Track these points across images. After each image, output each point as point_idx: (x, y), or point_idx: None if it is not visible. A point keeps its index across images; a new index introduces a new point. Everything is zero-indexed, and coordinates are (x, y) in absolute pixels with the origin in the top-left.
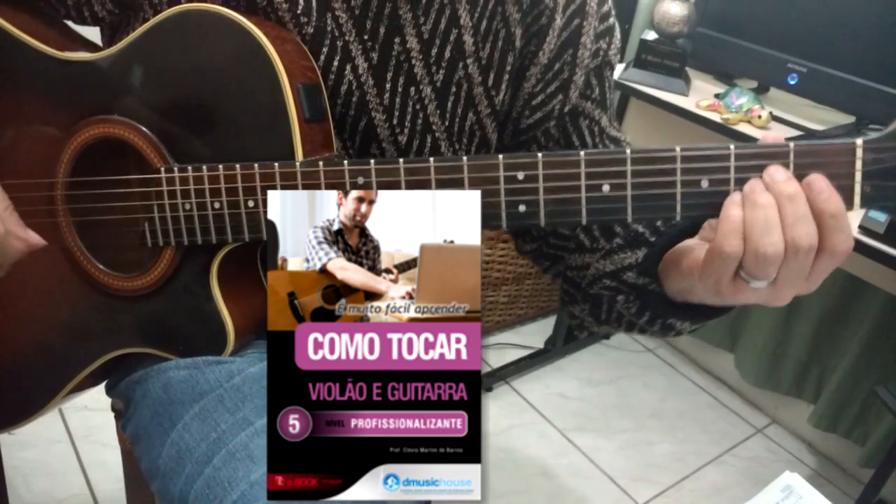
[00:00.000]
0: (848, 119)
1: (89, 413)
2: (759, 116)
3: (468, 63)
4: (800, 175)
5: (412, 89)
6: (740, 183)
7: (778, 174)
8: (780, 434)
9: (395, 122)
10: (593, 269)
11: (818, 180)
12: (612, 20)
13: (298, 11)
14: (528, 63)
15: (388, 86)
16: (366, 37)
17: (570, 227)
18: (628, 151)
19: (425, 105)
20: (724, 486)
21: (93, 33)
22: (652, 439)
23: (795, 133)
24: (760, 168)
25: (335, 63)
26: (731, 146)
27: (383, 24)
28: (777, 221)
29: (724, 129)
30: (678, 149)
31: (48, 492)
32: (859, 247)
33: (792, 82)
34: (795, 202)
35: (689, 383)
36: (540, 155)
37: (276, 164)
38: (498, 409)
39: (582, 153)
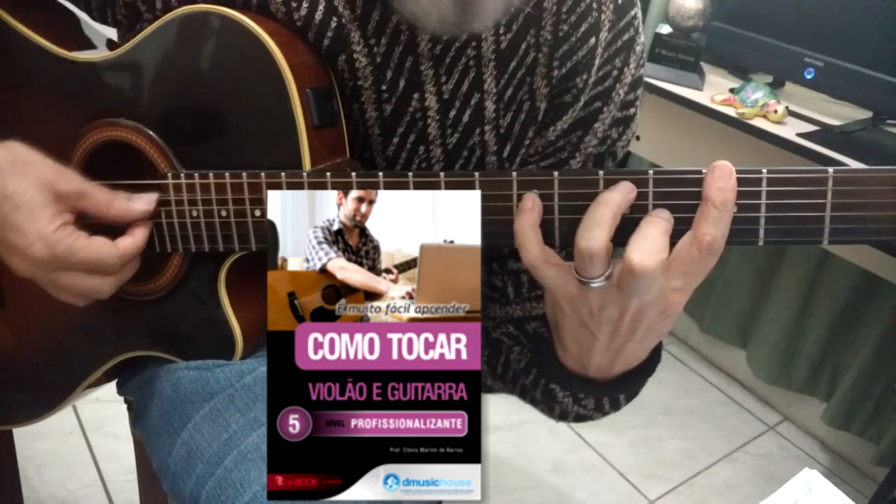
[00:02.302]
0: (865, 114)
1: (101, 405)
2: (776, 111)
3: (486, 130)
4: (839, 203)
5: (421, 148)
6: (771, 209)
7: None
8: (792, 432)
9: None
10: (502, 313)
11: (723, 168)
12: (633, 110)
13: (311, 43)
14: (535, 133)
15: (395, 140)
16: (383, 87)
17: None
18: (650, 172)
19: (431, 165)
20: (735, 484)
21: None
22: (663, 436)
23: (812, 128)
24: (795, 195)
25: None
26: (764, 170)
27: (403, 77)
28: (605, 221)
29: (739, 124)
30: (705, 170)
31: (60, 482)
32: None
33: (808, 77)
34: (652, 224)
35: (700, 380)
36: (556, 173)
37: (283, 173)
38: (508, 404)
39: (601, 172)
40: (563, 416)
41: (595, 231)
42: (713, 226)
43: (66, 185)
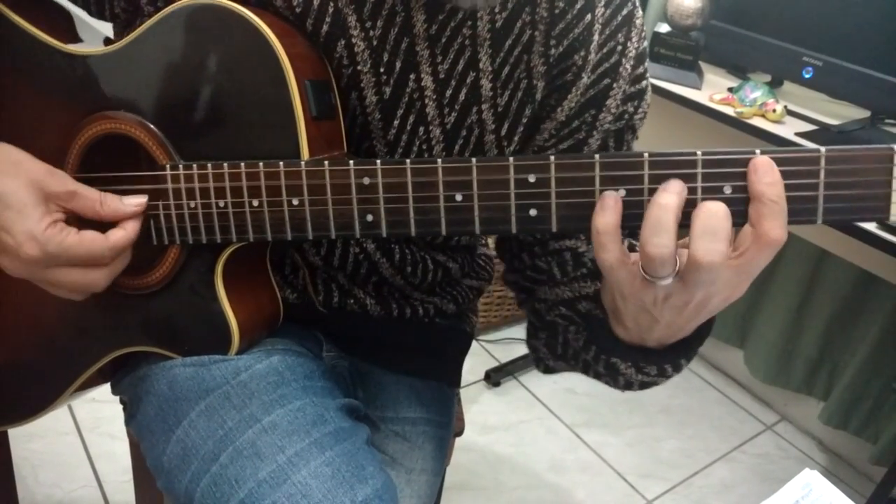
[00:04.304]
0: (863, 113)
1: (97, 405)
2: (774, 110)
3: (483, 108)
4: (831, 182)
5: (421, 129)
6: None
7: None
8: (789, 431)
9: (396, 157)
10: (553, 295)
11: (764, 163)
12: (644, 83)
13: (309, 31)
14: (544, 116)
15: (396, 122)
16: (381, 70)
17: (582, 231)
18: (646, 154)
19: (432, 146)
20: (732, 483)
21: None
22: (661, 435)
23: (811, 128)
24: (790, 174)
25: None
26: (758, 151)
27: (399, 58)
28: (671, 226)
29: (737, 123)
30: (699, 152)
31: (56, 483)
32: (873, 240)
33: (807, 76)
34: (712, 216)
35: (698, 380)
36: (552, 157)
37: (281, 163)
38: (506, 404)
39: (597, 156)
40: (628, 386)
41: (663, 238)
42: (775, 219)
43: (55, 186)
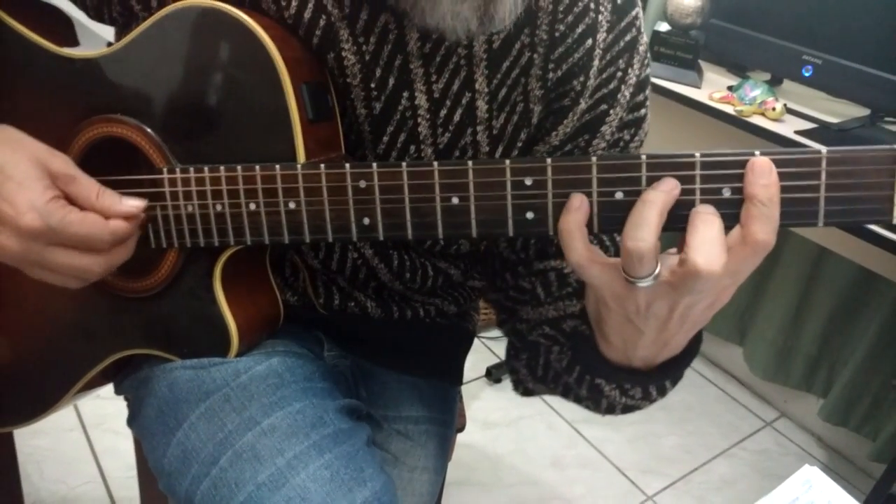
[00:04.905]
0: (863, 112)
1: (102, 401)
2: (774, 109)
3: (478, 130)
4: (832, 184)
5: (412, 147)
6: None
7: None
8: (789, 428)
9: None
10: (537, 314)
11: (762, 164)
12: (643, 111)
13: (301, 35)
14: (538, 138)
15: (385, 139)
16: (372, 85)
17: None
18: (643, 156)
19: None
20: (732, 479)
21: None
22: (660, 432)
23: (810, 126)
24: (790, 176)
25: None
26: (757, 152)
27: (393, 75)
28: (653, 221)
29: (737, 122)
30: (698, 154)
31: (61, 479)
32: (872, 237)
33: (806, 74)
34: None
35: (697, 376)
36: (549, 160)
37: (278, 166)
38: (506, 400)
39: (594, 158)
40: (610, 409)
41: (643, 231)
42: (764, 223)
43: (57, 165)
